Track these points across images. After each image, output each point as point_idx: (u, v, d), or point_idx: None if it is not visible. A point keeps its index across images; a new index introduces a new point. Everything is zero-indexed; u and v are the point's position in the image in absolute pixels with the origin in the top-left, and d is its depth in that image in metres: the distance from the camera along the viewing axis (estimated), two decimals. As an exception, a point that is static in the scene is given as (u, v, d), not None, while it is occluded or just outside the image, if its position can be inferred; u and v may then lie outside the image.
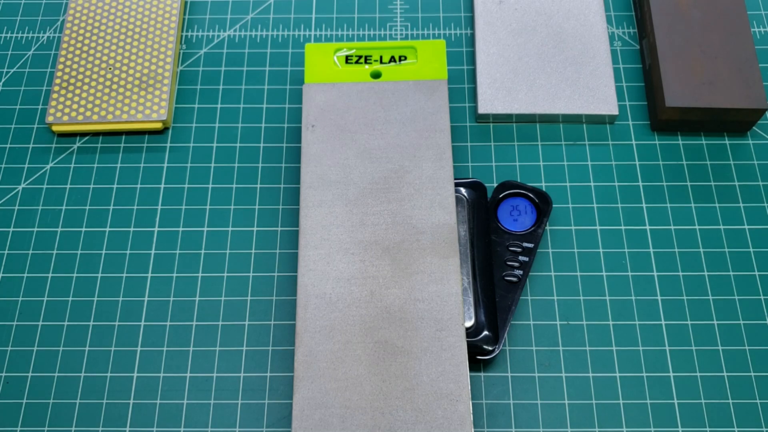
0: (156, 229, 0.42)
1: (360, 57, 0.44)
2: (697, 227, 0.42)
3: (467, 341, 0.37)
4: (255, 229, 0.42)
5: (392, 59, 0.44)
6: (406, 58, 0.44)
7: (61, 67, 0.46)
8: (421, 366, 0.35)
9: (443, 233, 0.38)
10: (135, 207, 0.43)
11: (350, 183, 0.40)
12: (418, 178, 0.40)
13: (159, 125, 0.45)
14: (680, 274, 0.41)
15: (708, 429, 0.37)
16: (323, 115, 0.42)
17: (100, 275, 0.41)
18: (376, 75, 0.43)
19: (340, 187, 0.39)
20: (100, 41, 0.47)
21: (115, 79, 0.46)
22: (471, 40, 0.49)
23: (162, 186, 0.44)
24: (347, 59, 0.44)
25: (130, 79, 0.46)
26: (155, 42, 0.47)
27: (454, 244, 0.38)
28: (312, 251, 0.38)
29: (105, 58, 0.47)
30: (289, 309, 0.40)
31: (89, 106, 0.45)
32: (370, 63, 0.44)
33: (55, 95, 0.45)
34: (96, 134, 0.46)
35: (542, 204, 0.41)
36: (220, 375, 0.39)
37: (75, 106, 0.45)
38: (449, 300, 0.36)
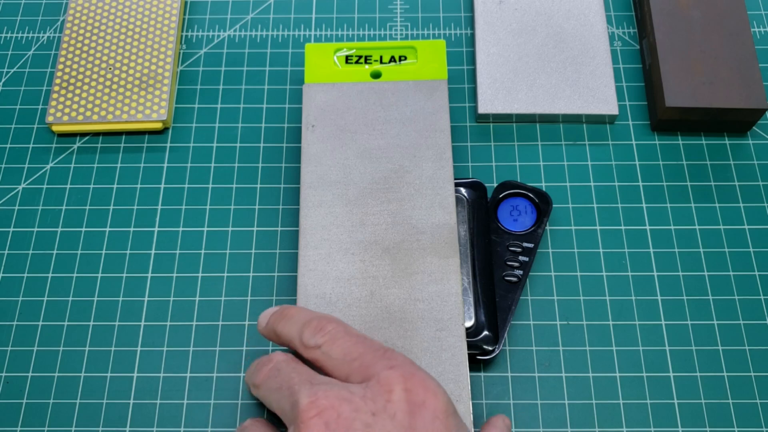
0: (156, 229, 0.42)
1: (360, 57, 0.44)
2: (697, 227, 0.42)
3: (467, 341, 0.37)
4: (255, 229, 0.42)
5: (392, 59, 0.44)
6: (406, 58, 0.44)
7: (61, 67, 0.46)
8: (422, 366, 0.35)
9: (443, 233, 0.38)
10: (135, 207, 0.43)
11: (350, 183, 0.40)
12: (418, 178, 0.39)
13: (159, 125, 0.45)
14: (680, 274, 0.41)
15: (708, 429, 0.37)
16: (323, 115, 0.42)
17: (100, 275, 0.41)
18: (376, 75, 0.43)
19: (340, 187, 0.39)
20: (100, 41, 0.47)
21: (115, 79, 0.46)
22: (471, 40, 0.49)
23: (162, 186, 0.44)
24: (347, 59, 0.44)
25: (130, 79, 0.46)
26: (155, 42, 0.47)
27: (454, 244, 0.38)
28: (312, 251, 0.38)
29: (105, 58, 0.47)
30: (289, 309, 0.40)
31: (89, 106, 0.45)
32: (370, 63, 0.44)
33: (55, 95, 0.45)
34: (96, 134, 0.46)
35: (542, 204, 0.41)
36: (220, 375, 0.39)
37: (75, 106, 0.45)
38: (449, 300, 0.36)
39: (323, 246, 0.38)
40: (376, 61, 0.44)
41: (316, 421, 0.27)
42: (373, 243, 0.38)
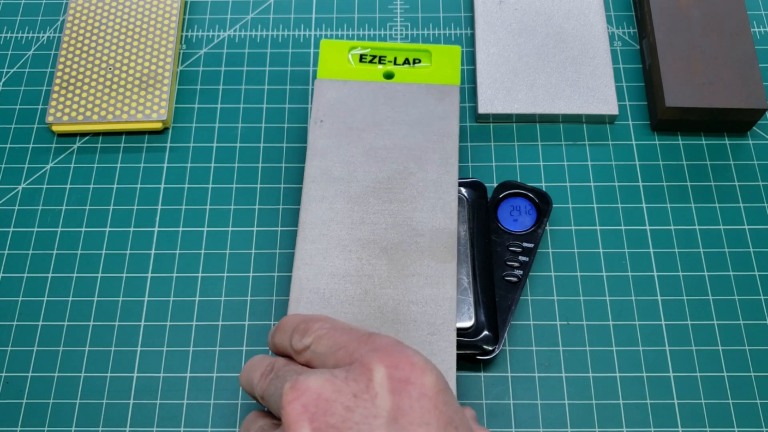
0: (156, 229, 0.42)
1: (374, 57, 0.44)
2: (697, 227, 0.42)
3: (467, 341, 0.37)
4: (255, 229, 0.42)
5: (406, 61, 0.44)
6: (420, 61, 0.44)
7: (61, 67, 0.46)
8: None
9: (443, 238, 0.38)
10: (135, 207, 0.43)
11: (354, 180, 0.40)
12: (422, 180, 0.39)
13: (159, 125, 0.45)
14: (680, 274, 0.41)
15: (708, 429, 0.37)
16: (333, 111, 0.41)
17: (100, 275, 0.41)
18: (388, 75, 0.43)
19: (343, 184, 0.39)
20: (100, 41, 0.47)
21: (115, 79, 0.46)
22: (471, 40, 0.49)
23: (162, 186, 0.44)
24: (361, 58, 0.44)
25: (130, 79, 0.46)
26: (155, 42, 0.47)
27: (453, 249, 0.38)
28: (309, 245, 0.38)
29: (105, 58, 0.47)
30: (289, 309, 0.40)
31: (89, 106, 0.45)
32: (384, 63, 0.43)
33: (55, 95, 0.45)
34: (96, 134, 0.46)
35: (542, 204, 0.41)
36: (220, 375, 0.39)
37: (75, 106, 0.45)
38: (443, 305, 0.36)
39: (321, 241, 0.38)
40: (390, 61, 0.44)
41: (295, 405, 0.26)
42: (372, 242, 0.38)
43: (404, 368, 0.27)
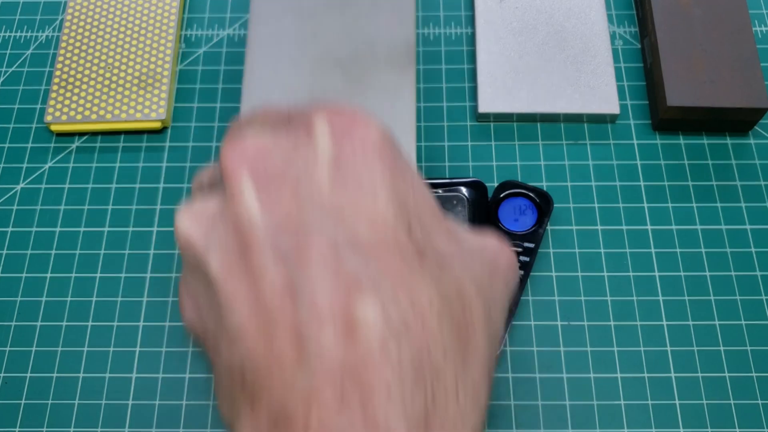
0: (155, 228, 0.42)
1: None
2: (698, 227, 0.42)
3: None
4: (254, 228, 0.42)
5: None
6: None
7: (59, 66, 0.46)
8: None
9: (401, 47, 0.36)
10: (134, 207, 0.43)
11: None
12: None
13: (158, 124, 0.45)
14: (682, 274, 0.41)
15: (710, 430, 0.37)
16: None
17: (99, 275, 0.41)
18: None
19: (293, 0, 0.37)
20: (99, 40, 0.47)
21: (114, 78, 0.46)
22: (471, 39, 0.49)
23: (161, 186, 0.44)
24: None
25: (129, 78, 0.46)
26: (154, 41, 0.47)
27: (412, 57, 0.35)
28: (259, 63, 0.35)
29: (104, 57, 0.46)
30: (288, 309, 0.40)
31: (88, 105, 0.45)
32: None
33: (53, 94, 0.45)
34: (95, 134, 0.45)
35: (543, 204, 0.41)
36: (220, 375, 0.38)
37: (74, 106, 0.45)
38: (403, 116, 0.34)
39: (271, 58, 0.36)
40: None
41: (231, 155, 0.24)
42: (325, 56, 0.36)
43: (347, 121, 0.25)
